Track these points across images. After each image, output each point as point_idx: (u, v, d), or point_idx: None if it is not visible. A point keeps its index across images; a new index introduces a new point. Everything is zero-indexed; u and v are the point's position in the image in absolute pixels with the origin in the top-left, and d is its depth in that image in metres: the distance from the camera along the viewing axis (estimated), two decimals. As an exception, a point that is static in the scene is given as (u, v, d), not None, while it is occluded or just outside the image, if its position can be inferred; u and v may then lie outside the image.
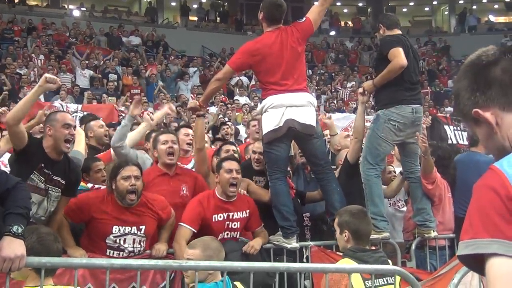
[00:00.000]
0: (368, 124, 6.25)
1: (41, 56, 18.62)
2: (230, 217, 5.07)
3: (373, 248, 4.52)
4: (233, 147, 6.02)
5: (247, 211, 5.16)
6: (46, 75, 4.38)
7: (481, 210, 1.51)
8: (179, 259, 4.35)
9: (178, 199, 5.18)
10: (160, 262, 3.86)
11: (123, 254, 4.64)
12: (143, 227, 4.71)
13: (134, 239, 4.71)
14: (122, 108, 13.94)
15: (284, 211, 5.22)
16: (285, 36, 5.30)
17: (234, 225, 5.10)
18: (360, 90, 5.97)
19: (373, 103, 5.90)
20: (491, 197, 1.48)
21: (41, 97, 14.43)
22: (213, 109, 15.11)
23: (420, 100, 5.78)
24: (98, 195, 4.83)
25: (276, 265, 4.57)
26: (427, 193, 5.64)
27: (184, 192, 5.27)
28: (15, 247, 3.00)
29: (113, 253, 4.63)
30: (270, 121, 5.17)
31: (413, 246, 5.65)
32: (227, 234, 5.05)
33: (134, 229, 4.69)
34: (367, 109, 6.70)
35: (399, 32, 5.72)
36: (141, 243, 4.74)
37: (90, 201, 4.70)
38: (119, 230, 4.64)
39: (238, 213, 5.11)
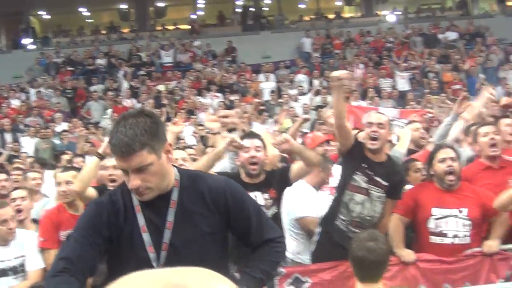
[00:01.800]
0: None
1: (361, 65, 19.35)
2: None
3: None
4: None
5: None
6: (334, 73, 4.55)
7: None
8: None
9: None
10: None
11: (446, 241, 4.66)
12: (464, 210, 4.68)
13: (456, 222, 4.70)
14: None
15: None
16: None
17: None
18: None
19: None
20: None
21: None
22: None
23: None
24: (419, 185, 5.07)
25: None
26: None
27: None
28: None
29: (436, 239, 4.68)
30: None
31: None
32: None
33: (456, 211, 4.69)
34: None
35: None
36: (465, 227, 4.67)
37: (414, 191, 4.92)
38: (439, 212, 4.69)
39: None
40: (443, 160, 4.73)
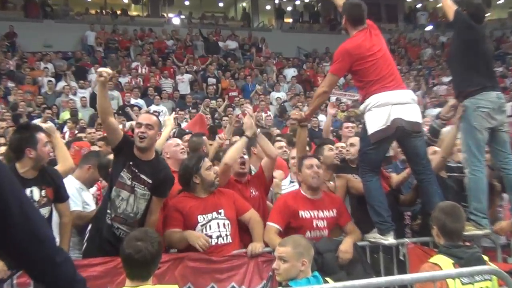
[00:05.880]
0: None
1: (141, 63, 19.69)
2: (316, 216, 5.16)
3: (467, 244, 4.37)
4: (331, 146, 6.13)
5: (334, 210, 5.22)
6: (99, 69, 4.61)
7: None
8: (273, 248, 4.51)
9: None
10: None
11: (212, 242, 4.84)
12: (222, 211, 5.00)
13: (218, 223, 4.97)
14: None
15: (377, 206, 5.20)
16: (375, 35, 5.36)
17: (321, 223, 5.16)
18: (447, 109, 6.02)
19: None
20: None
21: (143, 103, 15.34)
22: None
23: (499, 87, 5.75)
24: (180, 197, 5.14)
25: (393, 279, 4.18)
26: None
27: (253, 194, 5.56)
28: None
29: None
30: (377, 120, 5.09)
31: (513, 242, 5.51)
32: (315, 233, 5.11)
33: (215, 213, 4.97)
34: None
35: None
36: (226, 227, 4.97)
37: (178, 202, 5.04)
38: (203, 218, 4.93)
39: (325, 211, 5.19)
40: (210, 168, 5.12)
